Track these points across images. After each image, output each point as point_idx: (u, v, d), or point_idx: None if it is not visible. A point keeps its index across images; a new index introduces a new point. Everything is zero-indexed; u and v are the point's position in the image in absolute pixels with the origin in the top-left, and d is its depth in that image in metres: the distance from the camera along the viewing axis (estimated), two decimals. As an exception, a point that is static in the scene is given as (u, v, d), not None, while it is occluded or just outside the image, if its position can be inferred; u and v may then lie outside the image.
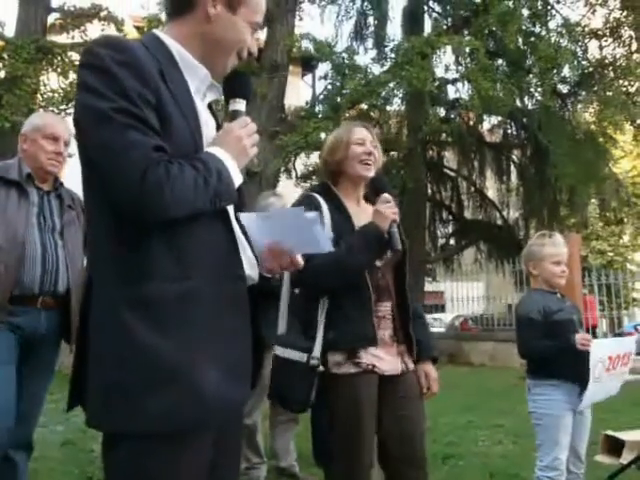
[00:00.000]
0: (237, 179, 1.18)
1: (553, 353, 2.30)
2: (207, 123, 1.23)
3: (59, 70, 8.28)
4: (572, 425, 2.34)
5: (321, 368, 1.79)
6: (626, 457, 3.42)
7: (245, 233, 1.28)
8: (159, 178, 1.04)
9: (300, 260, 1.29)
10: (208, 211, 1.13)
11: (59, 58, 8.32)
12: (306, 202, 1.90)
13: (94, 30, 9.32)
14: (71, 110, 7.89)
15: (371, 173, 1.98)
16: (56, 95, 7.97)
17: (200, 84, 1.25)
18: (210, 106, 1.32)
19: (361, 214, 1.95)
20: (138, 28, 11.16)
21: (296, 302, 1.96)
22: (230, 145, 1.18)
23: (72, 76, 8.19)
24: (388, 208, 1.86)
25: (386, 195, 1.90)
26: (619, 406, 5.92)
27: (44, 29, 8.71)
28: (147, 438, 1.05)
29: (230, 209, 1.23)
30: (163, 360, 1.04)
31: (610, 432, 3.84)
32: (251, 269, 1.26)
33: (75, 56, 8.53)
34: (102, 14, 9.01)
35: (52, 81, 8.37)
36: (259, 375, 1.35)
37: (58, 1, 9.17)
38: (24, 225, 2.13)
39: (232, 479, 1.30)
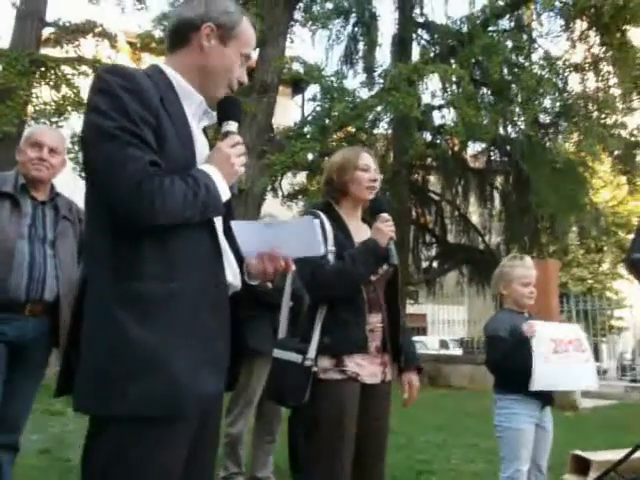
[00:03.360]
0: (224, 194, 1.31)
1: (510, 351, 2.38)
2: (201, 144, 1.37)
3: (52, 83, 8.38)
4: (534, 439, 2.44)
5: (315, 368, 1.94)
6: (592, 476, 3.52)
7: (232, 244, 1.40)
8: (152, 189, 1.17)
9: (292, 264, 1.41)
10: (196, 222, 1.27)
11: (52, 71, 8.43)
12: None
13: (88, 45, 9.47)
14: (62, 123, 7.99)
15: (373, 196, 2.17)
16: (48, 107, 8.06)
17: (196, 110, 1.39)
18: (204, 131, 1.46)
19: (360, 232, 2.12)
20: (131, 44, 11.32)
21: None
22: (219, 163, 1.32)
23: (64, 89, 8.30)
24: (387, 226, 2.04)
25: (385, 215, 2.08)
26: (590, 429, 6.06)
27: (38, 43, 8.83)
28: (129, 422, 1.15)
29: (218, 221, 1.36)
30: (146, 351, 1.16)
31: (578, 452, 3.95)
32: (233, 277, 1.39)
33: (68, 70, 8.65)
34: (96, 30, 9.16)
35: (44, 94, 8.46)
36: (236, 376, 1.46)
37: (53, 16, 9.32)
38: (14, 236, 2.21)
39: (207, 472, 1.39)
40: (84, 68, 8.85)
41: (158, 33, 10.27)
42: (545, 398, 2.42)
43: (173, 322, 1.20)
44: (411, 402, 2.19)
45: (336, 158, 2.23)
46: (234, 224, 1.38)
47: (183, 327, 1.21)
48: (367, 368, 2.02)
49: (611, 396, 9.13)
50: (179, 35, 1.39)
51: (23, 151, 2.37)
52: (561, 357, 2.40)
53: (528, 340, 2.35)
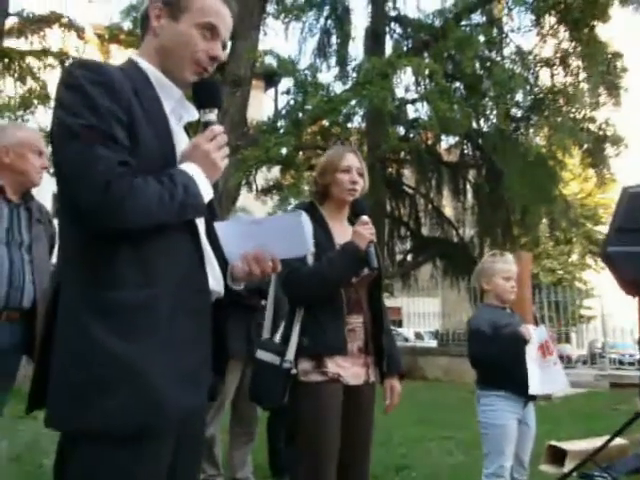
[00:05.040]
0: (207, 193, 1.22)
1: (494, 346, 2.39)
2: (182, 142, 1.28)
3: (16, 75, 8.11)
4: (517, 435, 2.45)
5: (294, 371, 1.93)
6: (568, 466, 3.58)
7: (216, 246, 1.32)
8: (121, 190, 1.09)
9: (279, 265, 1.34)
10: (174, 224, 1.18)
11: (16, 63, 8.17)
12: None
13: (54, 36, 9.19)
14: (28, 117, 7.74)
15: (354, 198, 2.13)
16: (12, 101, 7.80)
17: (176, 105, 1.30)
18: (185, 128, 1.37)
19: (343, 234, 2.08)
20: (99, 36, 11.06)
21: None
22: (199, 159, 1.22)
23: (30, 82, 8.05)
24: (366, 229, 2.00)
25: (365, 217, 2.04)
26: (562, 418, 6.18)
27: (1, 34, 8.52)
28: (104, 439, 1.09)
29: (200, 223, 1.28)
30: (120, 362, 1.09)
31: (554, 442, 4.02)
32: (216, 284, 1.31)
33: (33, 62, 8.39)
34: (62, 21, 8.90)
35: (8, 87, 8.20)
36: (219, 387, 1.39)
37: (16, 6, 9.00)
38: None
39: None
40: (50, 60, 8.61)
41: (127, 25, 10.05)
42: (528, 394, 2.43)
43: (150, 332, 1.13)
44: (392, 408, 2.18)
45: (321, 159, 2.23)
46: (217, 225, 1.30)
47: (160, 337, 1.14)
48: (349, 369, 2.00)
49: (581, 385, 9.34)
50: (142, 23, 1.34)
51: (22, 155, 2.24)
52: (546, 361, 2.45)
53: (522, 341, 2.37)
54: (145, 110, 1.20)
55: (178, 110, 1.31)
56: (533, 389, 2.38)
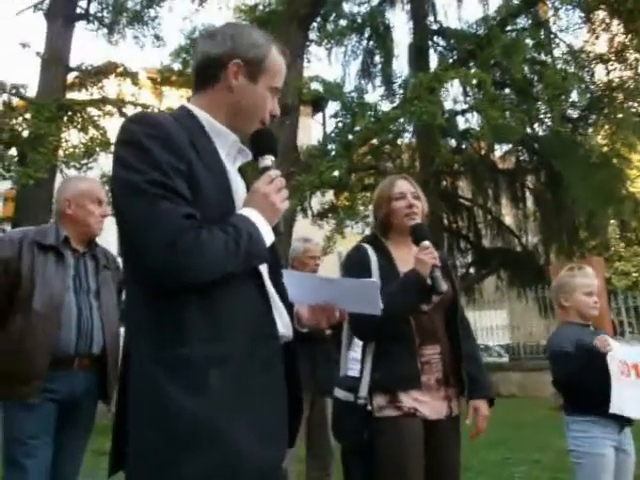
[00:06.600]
0: (268, 238, 1.21)
1: (579, 368, 2.23)
2: (238, 186, 1.29)
3: (79, 126, 8.58)
4: (615, 464, 2.27)
5: (369, 407, 1.89)
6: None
7: (280, 290, 1.30)
8: (189, 244, 1.09)
9: (347, 315, 1.34)
10: (240, 273, 1.17)
11: (78, 115, 8.64)
12: (359, 253, 2.07)
13: (111, 85, 9.69)
14: (92, 164, 8.14)
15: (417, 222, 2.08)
16: (77, 150, 8.24)
17: (230, 149, 1.31)
18: (240, 170, 1.37)
19: (409, 262, 2.01)
20: (152, 79, 11.56)
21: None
22: (259, 204, 1.22)
23: (91, 131, 8.49)
24: (427, 254, 1.93)
25: (425, 242, 1.97)
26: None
27: (64, 88, 9.07)
28: None
29: (263, 268, 1.26)
30: (198, 423, 1.06)
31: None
32: (285, 328, 1.28)
33: (94, 111, 8.85)
34: (118, 70, 9.37)
35: (73, 137, 8.67)
36: (296, 434, 1.35)
37: (76, 60, 9.59)
38: (60, 289, 2.17)
39: None
40: (109, 108, 9.05)
41: (177, 66, 10.45)
42: (624, 418, 2.24)
43: (225, 388, 1.10)
44: (477, 433, 2.04)
45: (375, 194, 2.22)
46: (286, 273, 1.30)
47: (236, 392, 1.11)
48: (428, 403, 1.92)
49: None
50: (206, 73, 1.31)
51: (82, 206, 2.32)
52: (628, 380, 2.24)
53: (599, 355, 2.18)
54: (202, 159, 1.20)
55: (232, 153, 1.32)
56: (614, 407, 2.17)
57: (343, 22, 11.04)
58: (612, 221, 13.57)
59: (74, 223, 2.32)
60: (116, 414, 1.22)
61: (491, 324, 13.60)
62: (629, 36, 10.45)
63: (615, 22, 10.63)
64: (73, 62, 9.35)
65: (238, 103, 1.30)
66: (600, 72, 11.15)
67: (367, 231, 8.89)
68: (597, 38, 10.99)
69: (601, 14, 10.85)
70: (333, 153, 9.72)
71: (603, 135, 11.37)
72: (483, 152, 12.77)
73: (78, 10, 9.66)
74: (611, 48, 10.83)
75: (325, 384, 2.76)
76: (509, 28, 10.79)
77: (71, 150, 8.28)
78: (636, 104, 10.38)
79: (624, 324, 10.42)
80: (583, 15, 10.85)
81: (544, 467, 4.52)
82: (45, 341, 2.09)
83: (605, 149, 10.97)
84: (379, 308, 1.32)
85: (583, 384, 2.27)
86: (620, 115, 10.06)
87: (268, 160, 1.29)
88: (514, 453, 5.11)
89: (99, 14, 9.98)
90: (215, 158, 1.24)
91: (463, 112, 12.04)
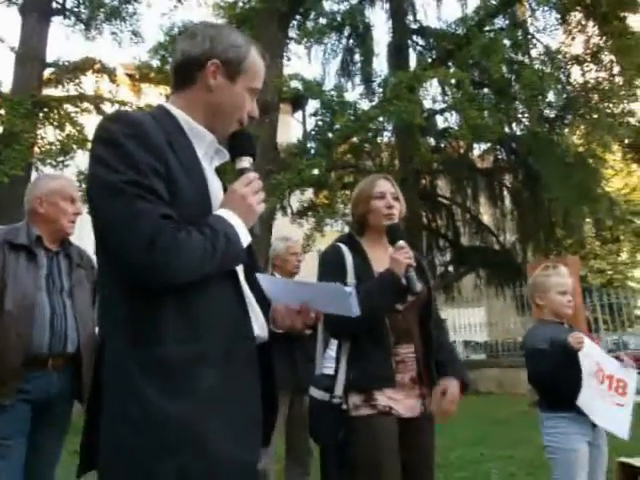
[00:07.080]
0: (245, 239, 1.21)
1: (554, 365, 2.25)
2: (215, 186, 1.28)
3: (55, 123, 8.43)
4: (589, 458, 2.31)
5: (344, 406, 1.90)
6: (643, 484, 3.37)
7: (256, 291, 1.31)
8: (167, 245, 1.08)
9: (322, 316, 1.35)
10: (217, 274, 1.17)
11: (55, 111, 8.48)
12: (333, 252, 2.05)
13: (88, 82, 9.54)
14: (68, 162, 8.01)
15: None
16: (53, 148, 8.09)
17: (207, 149, 1.30)
18: (217, 171, 1.37)
19: (385, 262, 2.01)
20: (130, 76, 11.42)
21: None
22: (236, 205, 1.22)
23: (68, 128, 8.34)
24: (402, 254, 1.93)
25: (401, 242, 1.98)
26: (633, 431, 5.87)
27: (40, 84, 8.89)
28: None
29: (239, 269, 1.26)
30: (175, 423, 1.06)
31: (624, 459, 3.79)
32: (260, 329, 1.29)
33: (71, 108, 8.71)
34: (95, 66, 9.23)
35: (49, 134, 8.51)
36: (271, 433, 1.35)
37: (53, 56, 9.41)
38: (32, 288, 2.14)
39: None
40: (86, 105, 8.91)
41: (155, 63, 10.34)
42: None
43: (201, 388, 1.10)
44: (446, 413, 1.96)
45: (354, 191, 2.21)
46: (260, 277, 1.30)
47: (211, 391, 1.11)
48: (403, 402, 1.93)
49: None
50: (184, 73, 1.31)
51: (54, 204, 2.27)
52: (610, 393, 2.30)
53: (573, 352, 2.21)
54: (180, 159, 1.19)
55: (210, 153, 1.32)
56: (581, 401, 2.20)
57: (323, 20, 11.04)
58: (588, 220, 13.81)
59: (46, 222, 2.28)
60: (87, 413, 1.21)
61: (469, 322, 13.76)
62: (604, 38, 10.63)
63: (590, 24, 10.81)
64: (50, 58, 9.18)
65: (216, 103, 1.30)
66: (576, 73, 11.34)
67: (346, 229, 8.93)
68: (573, 39, 11.17)
69: (577, 16, 11.03)
70: (313, 151, 9.73)
71: (579, 135, 11.57)
72: (462, 151, 12.91)
73: (54, 5, 9.47)
74: (587, 49, 11.00)
75: (305, 383, 2.77)
76: (487, 28, 10.90)
77: (47, 147, 8.13)
78: (611, 105, 10.57)
79: (599, 321, 10.64)
80: (559, 16, 11.02)
81: (520, 463, 4.57)
82: (18, 341, 2.05)
83: (581, 149, 11.16)
84: (353, 313, 1.32)
85: (557, 381, 2.30)
86: (595, 116, 10.24)
87: (246, 162, 1.30)
88: (491, 449, 5.17)
89: (76, 9, 9.80)
90: (193, 158, 1.24)
91: (442, 111, 12.14)
